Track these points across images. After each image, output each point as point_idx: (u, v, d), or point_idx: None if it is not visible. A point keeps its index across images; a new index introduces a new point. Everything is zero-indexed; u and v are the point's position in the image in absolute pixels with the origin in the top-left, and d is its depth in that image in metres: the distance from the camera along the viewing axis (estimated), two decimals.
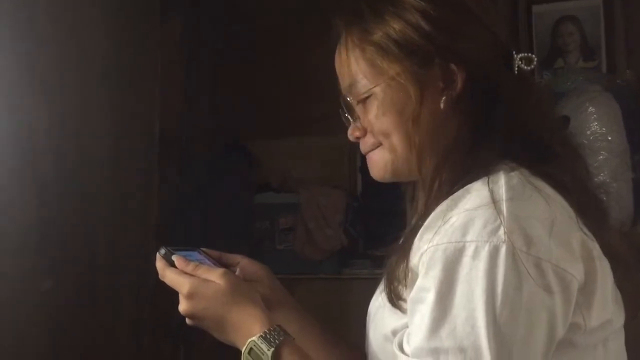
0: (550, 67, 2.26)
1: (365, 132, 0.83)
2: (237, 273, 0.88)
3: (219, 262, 0.91)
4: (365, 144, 0.84)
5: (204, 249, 0.91)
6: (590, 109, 1.99)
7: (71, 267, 1.54)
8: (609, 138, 1.97)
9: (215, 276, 0.80)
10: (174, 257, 0.83)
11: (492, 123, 0.76)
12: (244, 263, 0.94)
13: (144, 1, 1.95)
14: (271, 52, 2.45)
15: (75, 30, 1.60)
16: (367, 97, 0.81)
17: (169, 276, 0.82)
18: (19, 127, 1.42)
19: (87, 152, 1.64)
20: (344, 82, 0.84)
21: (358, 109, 0.84)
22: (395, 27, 0.78)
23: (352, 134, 0.85)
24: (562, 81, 2.12)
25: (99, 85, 1.70)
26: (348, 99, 0.84)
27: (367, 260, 2.14)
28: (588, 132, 1.98)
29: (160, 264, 0.84)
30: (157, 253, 0.84)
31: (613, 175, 1.96)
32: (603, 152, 1.96)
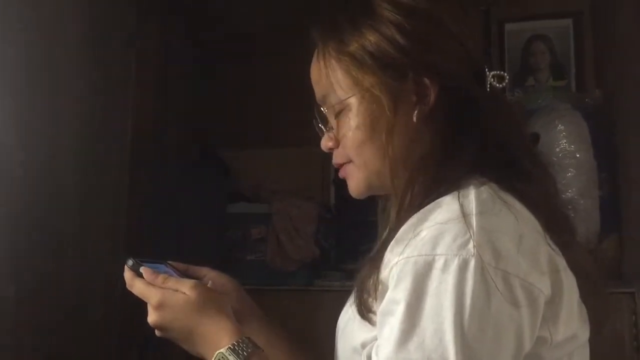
0: (521, 85, 2.31)
1: (337, 144, 0.84)
2: (208, 285, 0.88)
3: (186, 275, 0.90)
4: (337, 156, 0.85)
5: (170, 262, 0.91)
6: (560, 126, 2.03)
7: (38, 271, 1.51)
8: (577, 155, 2.01)
9: (186, 288, 0.80)
10: (142, 269, 0.83)
11: (464, 138, 0.77)
12: (211, 276, 0.93)
13: (120, 4, 1.93)
14: (248, 61, 2.45)
15: (46, 30, 1.58)
16: (341, 109, 0.82)
17: (137, 287, 0.82)
18: None
19: (57, 156, 1.61)
20: (319, 92, 0.85)
21: (332, 120, 0.84)
22: (370, 39, 0.79)
23: (324, 144, 0.86)
24: (532, 99, 2.16)
25: (70, 88, 1.67)
26: (322, 109, 0.85)
27: (339, 272, 2.14)
28: (557, 149, 2.01)
29: (128, 274, 0.83)
30: (125, 264, 0.83)
31: (580, 192, 1.99)
32: (571, 169, 2.00)
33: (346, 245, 2.18)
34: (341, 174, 0.86)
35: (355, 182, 0.84)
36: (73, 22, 1.69)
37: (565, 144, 2.02)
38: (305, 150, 2.29)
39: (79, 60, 1.71)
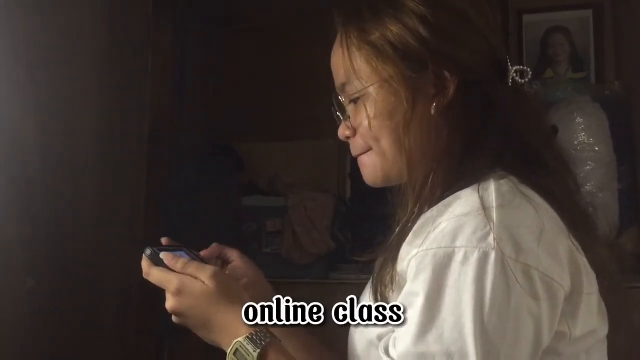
0: (539, 77, 2.28)
1: (354, 132, 0.84)
2: (226, 272, 0.88)
3: (209, 257, 0.91)
4: (354, 145, 0.85)
5: (192, 251, 0.91)
6: (578, 119, 2.01)
7: (56, 264, 1.53)
8: (596, 148, 1.99)
9: (205, 275, 0.80)
10: (162, 255, 0.83)
11: (483, 132, 0.77)
12: (236, 263, 0.94)
13: (136, 2, 1.94)
14: (263, 54, 2.44)
15: (65, 28, 1.59)
16: (359, 97, 0.82)
17: (155, 274, 0.81)
18: (6, 123, 1.40)
19: (75, 150, 1.63)
20: (337, 79, 0.85)
21: (349, 108, 0.84)
22: (392, 29, 0.78)
23: (341, 133, 0.86)
24: (551, 91, 2.13)
25: (88, 84, 1.69)
26: (340, 97, 0.84)
27: (354, 265, 2.13)
28: (575, 142, 1.99)
29: (145, 263, 0.83)
30: (143, 253, 0.84)
31: (599, 185, 1.97)
32: (590, 162, 1.98)
33: (362, 238, 2.17)
34: (359, 163, 0.85)
35: (372, 170, 0.83)
36: (90, 22, 1.70)
37: (584, 137, 2.00)
38: (320, 143, 2.29)
39: (96, 58, 1.72)
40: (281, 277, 2.06)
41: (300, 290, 2.10)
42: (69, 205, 1.59)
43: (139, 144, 1.94)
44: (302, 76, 2.29)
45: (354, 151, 0.85)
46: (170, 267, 0.81)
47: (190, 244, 0.94)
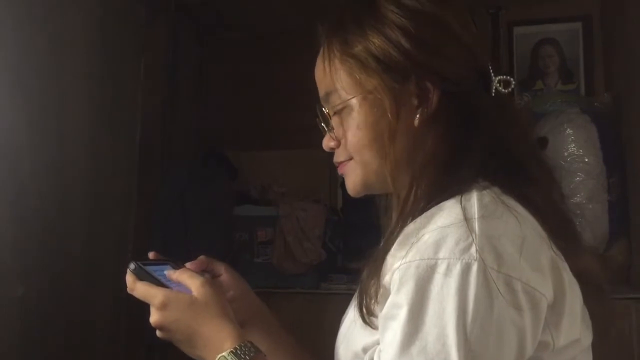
0: (529, 89, 2.30)
1: (339, 143, 0.84)
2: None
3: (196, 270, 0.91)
4: (338, 154, 0.85)
5: (183, 263, 0.91)
6: (568, 130, 2.02)
7: (46, 272, 1.52)
8: (586, 160, 2.00)
9: (196, 283, 0.80)
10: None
11: (467, 143, 0.77)
12: (223, 278, 0.94)
13: (128, 7, 1.95)
14: (255, 63, 2.45)
15: (57, 34, 1.59)
16: (343, 108, 0.82)
17: (139, 289, 0.81)
18: None
19: (66, 157, 1.63)
20: (322, 90, 0.85)
21: (334, 120, 0.84)
22: (375, 41, 0.79)
23: (326, 144, 0.86)
24: (541, 103, 2.15)
25: (80, 90, 1.69)
26: (324, 108, 0.85)
27: (345, 276, 2.13)
28: (565, 154, 2.01)
29: (129, 277, 0.83)
30: (128, 268, 0.84)
31: (589, 196, 1.98)
32: (580, 174, 1.99)
33: (353, 248, 2.17)
34: (340, 171, 0.86)
35: (353, 180, 0.84)
36: (83, 27, 1.70)
37: (574, 148, 2.01)
38: (312, 153, 2.26)
39: (88, 65, 1.72)
40: (272, 287, 2.06)
41: (292, 300, 2.09)
42: (59, 213, 1.59)
43: (130, 152, 1.94)
44: (295, 85, 2.29)
45: (336, 158, 0.85)
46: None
47: (180, 253, 0.95)
